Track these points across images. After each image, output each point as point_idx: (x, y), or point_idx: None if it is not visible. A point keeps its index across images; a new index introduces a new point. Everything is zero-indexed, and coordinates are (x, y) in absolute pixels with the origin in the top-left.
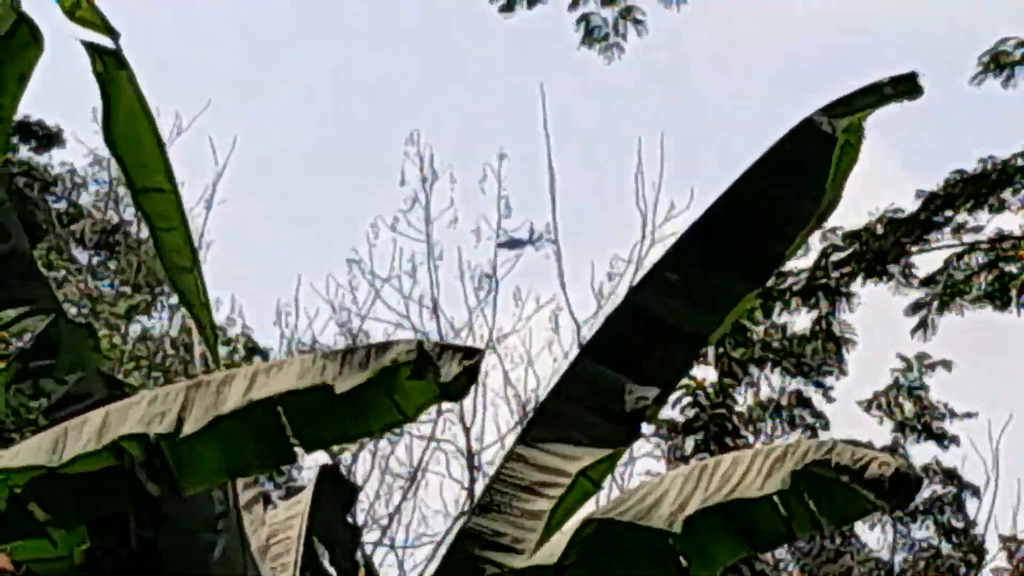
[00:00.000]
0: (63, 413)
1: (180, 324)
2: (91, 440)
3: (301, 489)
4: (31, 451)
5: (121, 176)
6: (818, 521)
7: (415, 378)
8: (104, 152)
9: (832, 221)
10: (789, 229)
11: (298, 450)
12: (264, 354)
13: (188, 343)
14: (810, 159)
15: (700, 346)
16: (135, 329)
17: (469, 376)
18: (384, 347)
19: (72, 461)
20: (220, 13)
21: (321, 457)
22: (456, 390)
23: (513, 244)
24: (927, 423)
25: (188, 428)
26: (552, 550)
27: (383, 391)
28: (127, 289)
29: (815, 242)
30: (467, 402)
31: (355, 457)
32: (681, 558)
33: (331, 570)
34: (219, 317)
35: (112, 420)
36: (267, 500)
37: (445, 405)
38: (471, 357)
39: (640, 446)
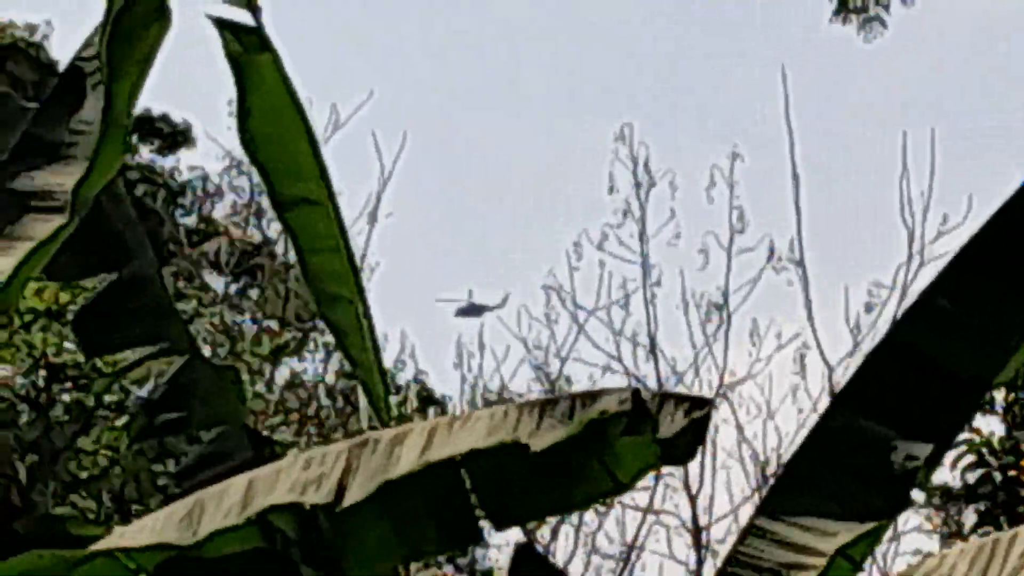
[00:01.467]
0: (199, 479)
1: (338, 368)
2: (232, 513)
3: (488, 572)
4: (159, 526)
5: (263, 184)
6: None
7: (630, 434)
8: (242, 155)
9: None
10: None
11: (485, 525)
12: (442, 404)
13: (348, 391)
14: None
15: (983, 391)
16: (282, 374)
17: (697, 433)
18: (591, 396)
19: (209, 539)
20: None
21: (512, 533)
22: (681, 450)
23: (472, 311)
24: None
25: (351, 497)
26: None
27: (591, 452)
28: (273, 324)
29: None
30: (692, 465)
31: (555, 533)
32: None
33: None
34: (387, 358)
35: (258, 488)
36: None
37: (666, 469)
38: (700, 408)
39: (907, 518)
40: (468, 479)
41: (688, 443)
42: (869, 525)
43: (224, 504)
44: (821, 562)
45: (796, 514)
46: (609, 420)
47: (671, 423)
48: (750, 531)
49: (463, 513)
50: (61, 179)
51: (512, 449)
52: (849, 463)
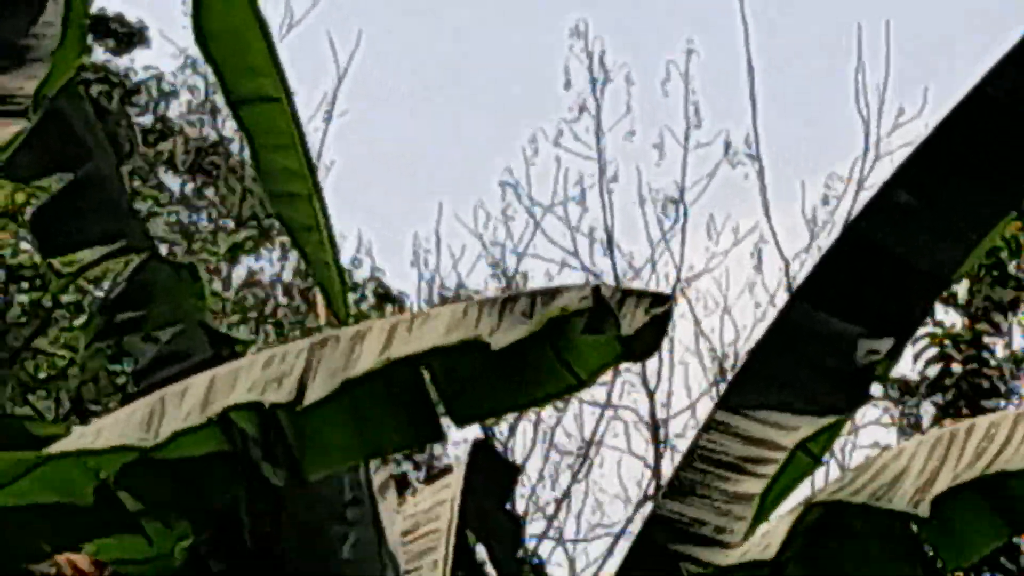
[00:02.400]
0: (157, 378)
1: (295, 266)
2: (193, 413)
3: (447, 470)
4: (119, 428)
5: (217, 82)
6: None
7: (591, 332)
8: (197, 53)
9: None
10: None
11: (447, 424)
12: (399, 302)
13: (305, 289)
14: None
15: (943, 285)
16: (239, 273)
17: (658, 329)
18: (551, 294)
19: (171, 440)
20: None
21: (470, 430)
22: (642, 347)
23: None
24: None
25: (311, 395)
26: (766, 542)
27: (551, 349)
28: (229, 223)
29: None
30: (650, 361)
31: (513, 429)
32: (927, 547)
33: (490, 570)
34: (343, 257)
35: (218, 388)
36: (405, 484)
37: (624, 364)
38: (661, 304)
39: (865, 412)
40: (429, 377)
41: (649, 339)
42: (829, 419)
43: (185, 405)
44: (781, 456)
45: (756, 408)
46: (570, 317)
47: (632, 320)
48: (710, 425)
49: (424, 410)
50: (22, 83)
51: (473, 347)
52: (808, 357)
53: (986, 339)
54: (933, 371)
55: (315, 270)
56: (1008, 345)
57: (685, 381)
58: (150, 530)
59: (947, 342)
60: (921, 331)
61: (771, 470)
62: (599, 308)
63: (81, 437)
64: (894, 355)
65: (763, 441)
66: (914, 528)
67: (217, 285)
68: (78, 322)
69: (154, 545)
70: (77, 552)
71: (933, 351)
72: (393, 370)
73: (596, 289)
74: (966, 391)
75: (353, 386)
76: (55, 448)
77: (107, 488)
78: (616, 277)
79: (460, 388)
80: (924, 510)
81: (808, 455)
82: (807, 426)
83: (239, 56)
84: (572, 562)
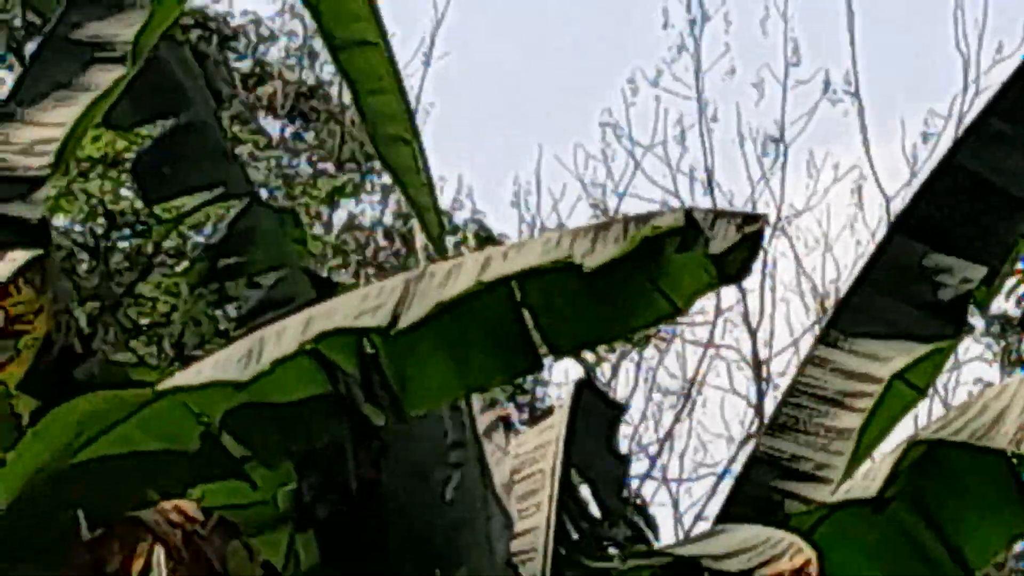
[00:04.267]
0: (260, 322)
1: (395, 209)
2: (290, 345)
3: (549, 411)
4: (217, 367)
5: (317, 28)
6: None
7: (683, 251)
8: None
9: None
10: None
11: (545, 357)
12: (499, 243)
13: (406, 232)
14: None
15: None
16: (340, 216)
17: (751, 248)
18: (645, 218)
19: (268, 372)
20: None
21: (573, 372)
22: (735, 266)
23: None
24: None
25: (406, 320)
26: (869, 480)
27: (645, 274)
28: (329, 167)
29: None
30: (752, 299)
31: (615, 370)
32: None
33: (594, 510)
34: (444, 199)
35: (316, 321)
36: (509, 425)
37: (724, 302)
38: (752, 223)
39: (967, 347)
40: (524, 302)
41: (742, 258)
42: (926, 349)
43: (283, 340)
44: (879, 388)
45: (854, 341)
46: (663, 238)
47: (724, 239)
48: (810, 361)
49: (521, 339)
50: (121, 29)
51: (566, 270)
52: (906, 289)
53: None
54: None
55: (415, 212)
56: None
57: (787, 320)
58: (254, 475)
59: None
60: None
61: (870, 403)
62: (691, 228)
63: (180, 379)
64: (990, 282)
65: (862, 375)
66: (1017, 466)
67: (318, 229)
68: (180, 268)
69: (259, 490)
70: (183, 498)
71: None
72: (488, 297)
73: (688, 212)
74: None
75: (448, 311)
76: (157, 387)
77: (211, 433)
78: None
79: (556, 318)
80: None
81: (910, 387)
82: (904, 358)
83: (337, 1)
84: (675, 502)
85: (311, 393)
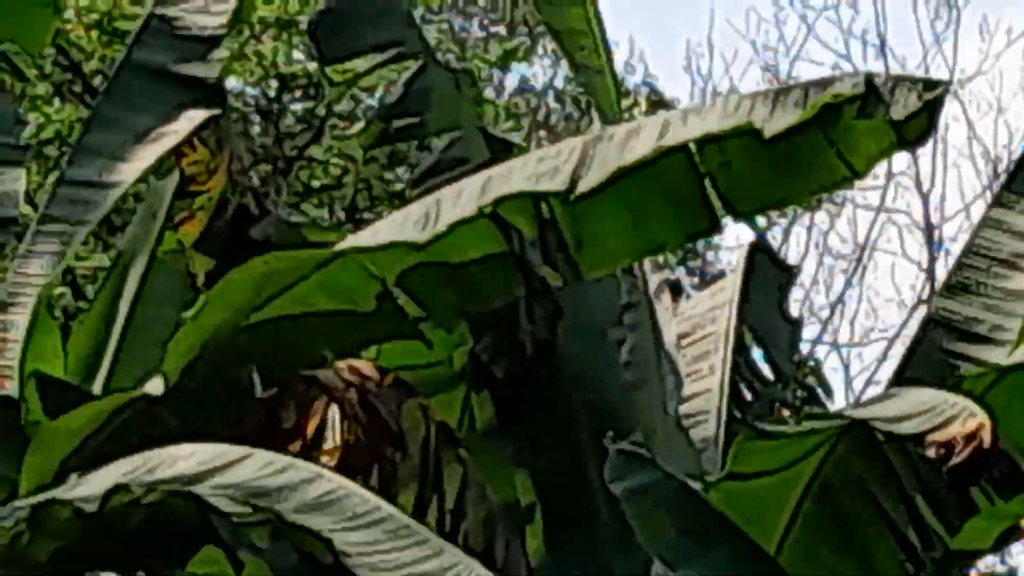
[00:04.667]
0: (435, 183)
1: (567, 72)
2: (468, 207)
3: (720, 275)
4: (395, 227)
5: None
6: None
7: (863, 117)
8: None
9: None
10: None
11: (723, 220)
12: (672, 108)
13: (578, 96)
14: None
15: None
16: (512, 80)
17: (930, 114)
18: (824, 84)
19: (447, 232)
20: None
21: (744, 237)
22: (914, 132)
23: None
24: None
25: (585, 184)
26: None
27: (824, 138)
28: (500, 30)
29: None
30: (924, 163)
31: (786, 234)
32: None
33: (767, 372)
34: (616, 63)
35: (493, 183)
36: (678, 289)
37: (896, 167)
38: (932, 89)
39: None
40: (703, 165)
41: (922, 125)
42: None
43: (461, 201)
44: None
45: None
46: (842, 104)
47: (904, 105)
48: (985, 223)
49: (699, 203)
50: None
51: (746, 134)
52: None
53: None
54: None
55: (586, 76)
56: None
57: (959, 185)
58: (430, 335)
59: None
60: None
61: None
62: (871, 94)
63: (358, 239)
64: None
65: None
66: None
67: (489, 92)
68: (352, 130)
69: (434, 350)
70: (358, 358)
71: None
72: (667, 160)
73: (868, 76)
74: None
75: (626, 175)
76: (336, 247)
77: (388, 293)
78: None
79: (735, 181)
80: None
81: None
82: None
83: None
84: (847, 366)
85: (487, 252)
